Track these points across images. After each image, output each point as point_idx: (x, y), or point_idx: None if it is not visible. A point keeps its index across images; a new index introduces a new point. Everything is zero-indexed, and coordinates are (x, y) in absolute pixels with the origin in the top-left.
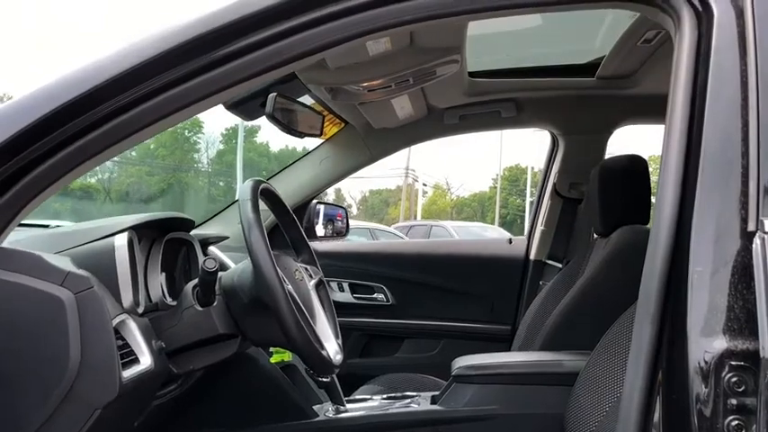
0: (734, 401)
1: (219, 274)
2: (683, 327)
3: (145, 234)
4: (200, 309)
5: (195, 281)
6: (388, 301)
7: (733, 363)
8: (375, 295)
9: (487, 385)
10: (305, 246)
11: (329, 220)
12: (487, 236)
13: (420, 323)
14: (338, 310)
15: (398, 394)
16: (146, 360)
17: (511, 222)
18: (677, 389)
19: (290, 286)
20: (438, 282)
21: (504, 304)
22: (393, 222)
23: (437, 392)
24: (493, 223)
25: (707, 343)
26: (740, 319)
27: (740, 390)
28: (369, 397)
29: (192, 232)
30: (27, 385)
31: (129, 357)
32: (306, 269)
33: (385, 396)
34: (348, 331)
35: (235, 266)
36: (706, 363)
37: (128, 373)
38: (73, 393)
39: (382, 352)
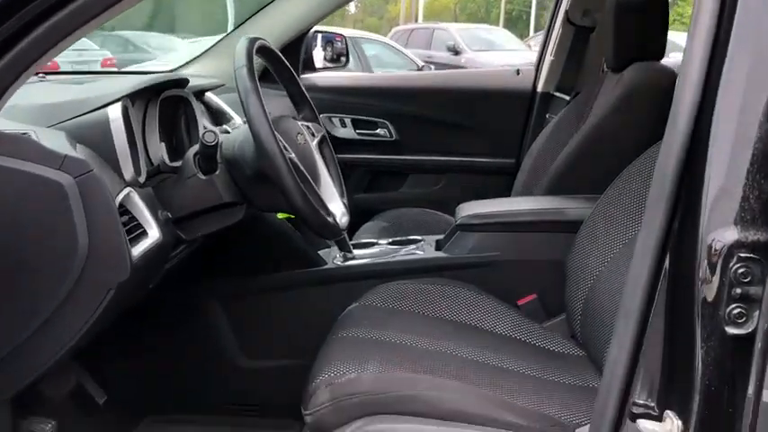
0: (738, 291)
1: (220, 138)
2: (695, 212)
3: (139, 96)
4: (204, 177)
5: (196, 148)
6: (391, 136)
7: (742, 254)
8: (378, 131)
9: (490, 233)
10: (305, 101)
11: (328, 41)
12: (492, 39)
13: (424, 158)
14: (341, 146)
15: (403, 238)
16: (153, 232)
17: (516, 19)
18: (683, 275)
19: (291, 154)
20: (442, 116)
21: (510, 138)
22: (393, 22)
23: (441, 237)
24: (498, 21)
25: (718, 231)
26: (754, 210)
27: (746, 280)
28: (374, 241)
29: (185, 74)
30: (39, 272)
31: (137, 231)
32: (307, 127)
33: (390, 240)
34: (352, 168)
35: (235, 133)
36: (715, 251)
37: (137, 250)
38: (85, 277)
39: (386, 187)
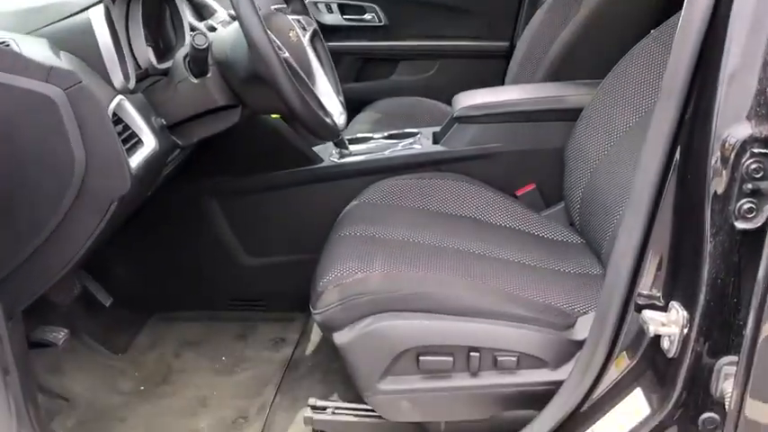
0: (749, 186)
1: (211, 38)
2: (708, 107)
3: None
4: (195, 80)
5: (185, 50)
6: (380, 21)
7: (755, 149)
8: (366, 15)
9: (489, 124)
10: None
11: None
12: None
13: (415, 44)
14: (328, 33)
15: (400, 132)
16: (150, 141)
17: None
18: (693, 169)
19: (285, 53)
20: None
21: (503, 20)
22: None
23: (437, 129)
24: None
25: (731, 126)
26: None
27: (758, 176)
28: (370, 136)
29: None
30: (39, 188)
31: (133, 141)
32: (298, 21)
33: (386, 134)
34: (340, 56)
35: (224, 33)
36: (728, 146)
37: (135, 160)
38: (86, 191)
39: (376, 76)
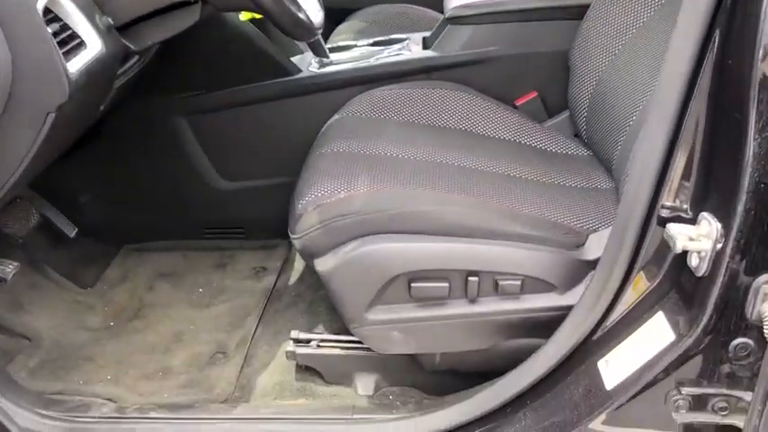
0: None
1: None
2: None
3: None
4: None
5: None
6: None
7: None
8: None
9: (485, 25)
10: None
11: None
12: None
13: None
14: None
15: (386, 38)
16: (93, 42)
17: None
18: (736, 51)
19: None
20: None
21: None
22: None
23: (428, 34)
24: None
25: None
26: None
27: None
28: (353, 44)
29: None
30: None
31: (73, 43)
32: None
33: (371, 41)
34: None
35: None
36: None
37: (76, 65)
38: (17, 100)
39: None
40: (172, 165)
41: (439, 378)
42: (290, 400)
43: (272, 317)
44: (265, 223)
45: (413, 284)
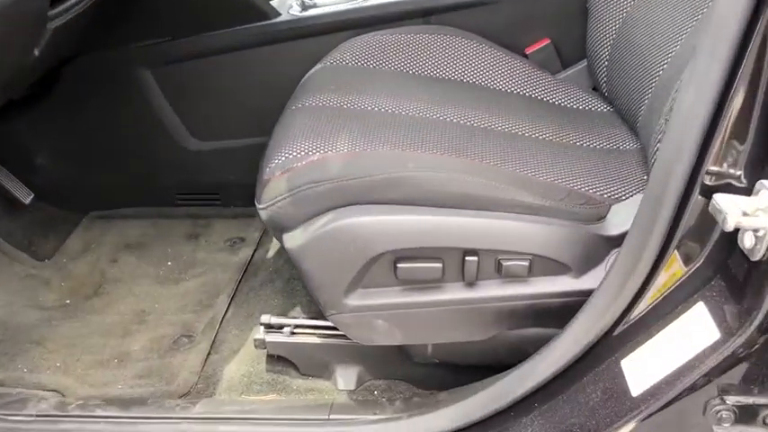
0: None
1: None
2: None
3: None
4: None
5: None
6: None
7: None
8: None
9: None
10: None
11: None
12: None
13: None
14: None
15: None
16: None
17: None
18: None
19: None
20: None
21: None
22: None
23: None
24: None
25: None
26: None
27: None
28: None
29: None
30: None
31: None
32: None
33: None
34: None
35: None
36: None
37: None
38: None
39: None
40: (138, 122)
41: (431, 370)
42: (258, 395)
43: (246, 296)
44: (243, 189)
45: (399, 265)
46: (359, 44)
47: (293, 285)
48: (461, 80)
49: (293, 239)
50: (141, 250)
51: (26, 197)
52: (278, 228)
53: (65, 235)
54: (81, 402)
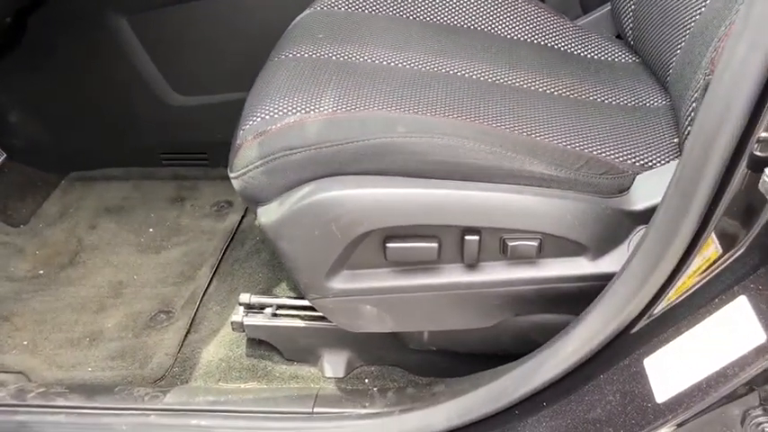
0: None
1: None
2: None
3: None
4: None
5: None
6: None
7: None
8: None
9: None
10: None
11: None
12: None
13: None
14: None
15: None
16: None
17: None
18: None
19: None
20: None
21: None
22: None
23: None
24: None
25: None
26: None
27: None
28: None
29: None
30: None
31: None
32: None
33: None
34: None
35: None
36: None
37: None
38: None
39: None
40: (114, 75)
41: (427, 356)
42: (237, 382)
43: (230, 268)
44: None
45: (389, 244)
46: None
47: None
48: (467, 26)
49: (268, 214)
50: (122, 215)
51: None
52: (252, 200)
53: (42, 198)
54: (42, 390)
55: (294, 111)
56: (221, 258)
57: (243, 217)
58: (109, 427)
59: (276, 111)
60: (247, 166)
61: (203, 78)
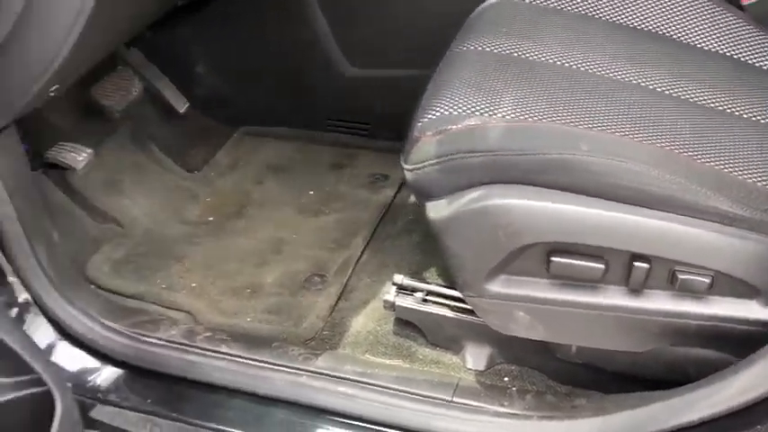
0: None
1: None
2: None
3: None
4: None
5: None
6: None
7: None
8: None
9: None
10: None
11: None
12: None
13: None
14: None
15: None
16: None
17: None
18: None
19: None
20: None
21: None
22: None
23: None
24: None
25: None
26: None
27: None
28: None
29: None
30: None
31: None
32: None
33: None
34: None
35: None
36: None
37: None
38: None
39: None
40: (296, 43)
41: (571, 366)
42: (382, 357)
43: (382, 243)
44: (394, 121)
45: (554, 258)
46: None
47: (431, 243)
48: (657, 31)
49: (437, 210)
50: (286, 174)
51: (181, 105)
52: (422, 193)
53: (215, 148)
54: (209, 335)
55: (475, 111)
56: (374, 231)
57: (396, 192)
58: (265, 379)
59: (456, 108)
60: (423, 162)
61: (377, 53)
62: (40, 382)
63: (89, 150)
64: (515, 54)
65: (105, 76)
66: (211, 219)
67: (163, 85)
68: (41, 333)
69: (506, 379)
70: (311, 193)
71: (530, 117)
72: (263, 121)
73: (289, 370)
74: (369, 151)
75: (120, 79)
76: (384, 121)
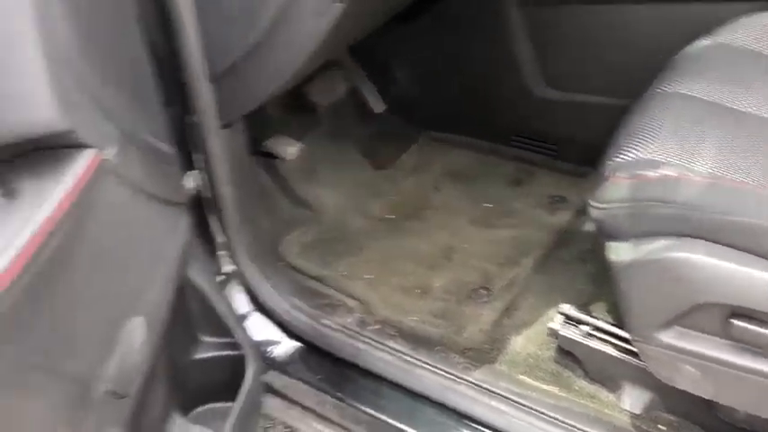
0: None
1: None
2: None
3: None
4: None
5: None
6: None
7: None
8: None
9: None
10: None
11: None
12: None
13: None
14: None
15: None
16: None
17: None
18: None
19: None
20: None
21: None
22: None
23: None
24: None
25: None
26: None
27: None
28: None
29: None
30: None
31: None
32: None
33: None
34: None
35: None
36: None
37: None
38: None
39: None
40: (495, 58)
41: (734, 429)
42: (539, 381)
43: (553, 267)
44: (580, 146)
45: (734, 321)
46: (761, 22)
47: (605, 276)
48: None
49: (619, 252)
50: (465, 183)
51: (380, 107)
52: (605, 232)
53: (402, 150)
54: (378, 327)
55: (673, 160)
56: (547, 254)
57: (574, 216)
58: (425, 379)
59: (653, 153)
60: (612, 203)
61: (575, 77)
62: (235, 345)
63: (300, 144)
64: (722, 103)
65: (318, 74)
66: (392, 217)
67: (366, 86)
68: (238, 302)
69: (662, 427)
70: (486, 205)
71: (730, 176)
72: (447, 128)
73: (448, 375)
74: (549, 171)
75: (329, 78)
76: (570, 145)
